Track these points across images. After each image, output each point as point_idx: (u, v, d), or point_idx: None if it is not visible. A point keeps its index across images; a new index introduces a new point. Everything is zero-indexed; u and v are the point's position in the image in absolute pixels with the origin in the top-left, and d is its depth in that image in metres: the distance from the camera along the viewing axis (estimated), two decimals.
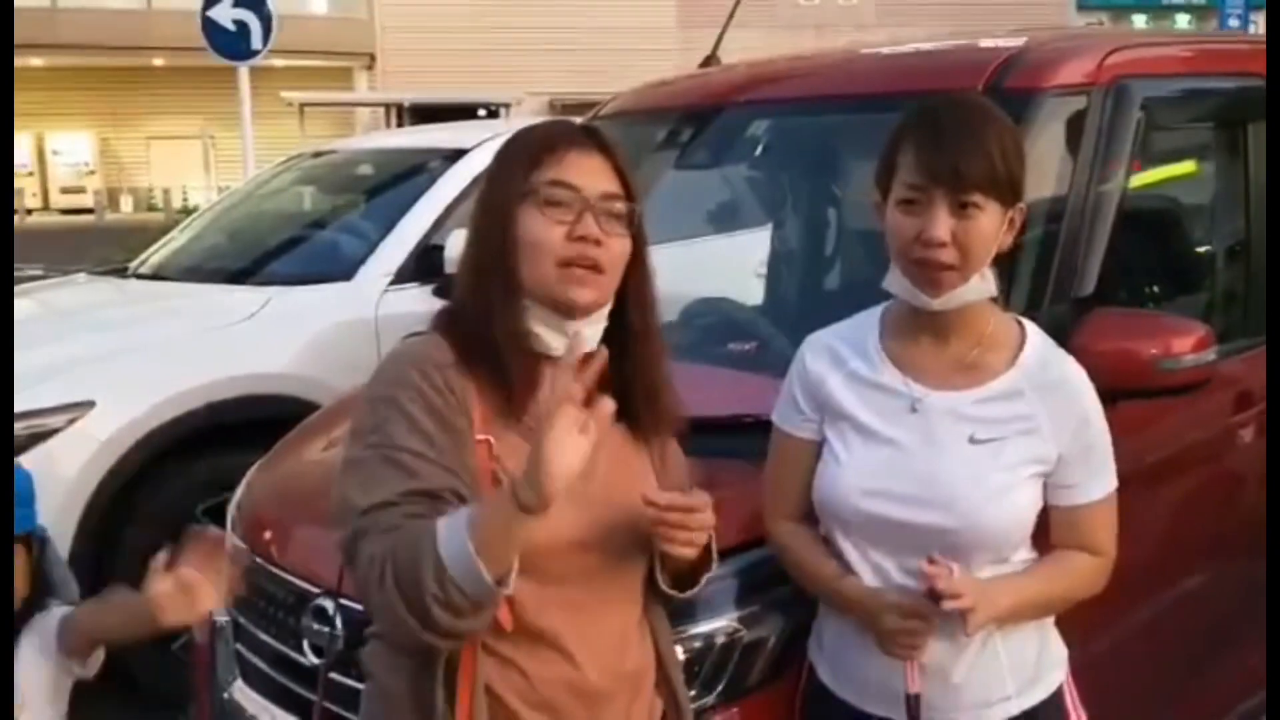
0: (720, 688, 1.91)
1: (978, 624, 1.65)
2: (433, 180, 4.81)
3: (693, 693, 1.88)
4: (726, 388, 2.54)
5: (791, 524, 1.89)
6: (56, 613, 1.86)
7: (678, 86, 3.31)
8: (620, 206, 1.60)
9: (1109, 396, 2.21)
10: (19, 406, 3.57)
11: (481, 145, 4.95)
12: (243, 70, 8.48)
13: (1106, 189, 2.46)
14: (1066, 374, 1.80)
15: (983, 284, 1.74)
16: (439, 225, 4.60)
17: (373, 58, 26.93)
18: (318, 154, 5.94)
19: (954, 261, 1.68)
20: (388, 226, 4.65)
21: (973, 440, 1.75)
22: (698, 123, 3.05)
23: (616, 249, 1.60)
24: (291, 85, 22.61)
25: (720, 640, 1.92)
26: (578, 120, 1.74)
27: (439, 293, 4.30)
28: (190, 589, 1.73)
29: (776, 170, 3.18)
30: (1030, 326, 1.85)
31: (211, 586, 1.75)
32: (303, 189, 5.67)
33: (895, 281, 1.77)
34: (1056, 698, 1.84)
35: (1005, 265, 2.41)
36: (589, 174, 1.59)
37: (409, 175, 5.11)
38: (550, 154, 1.59)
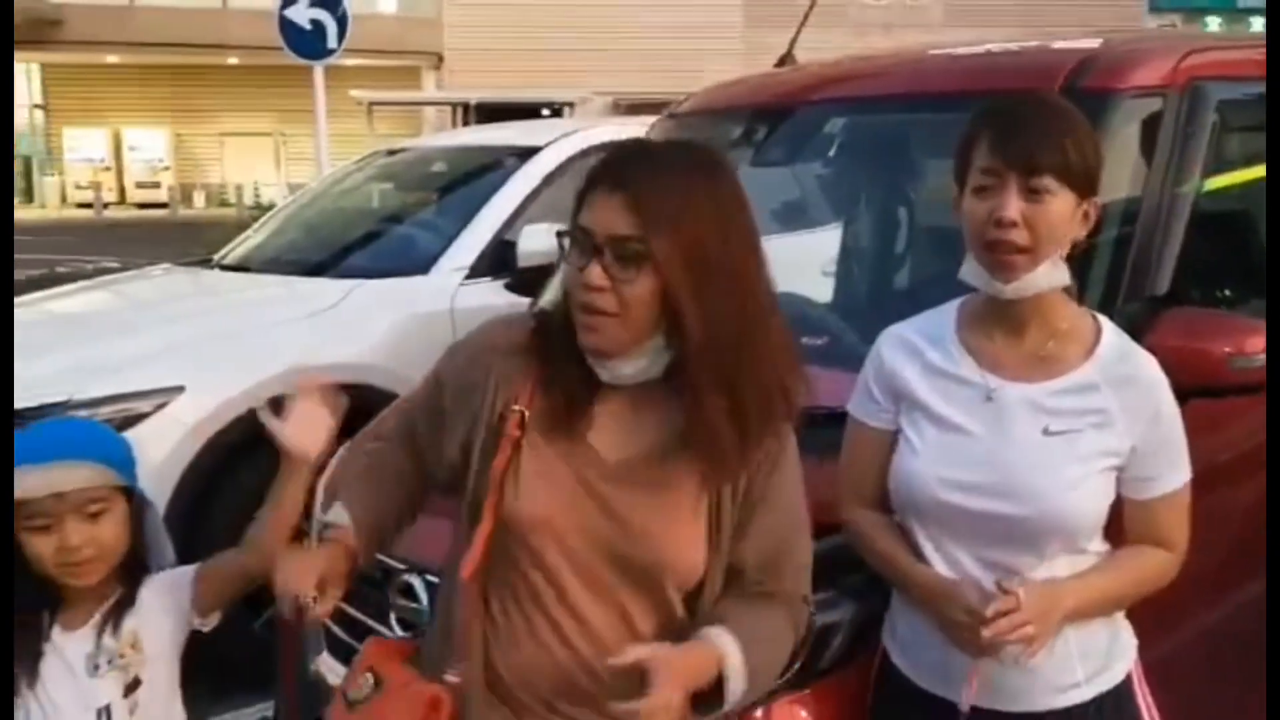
0: (793, 670, 1.95)
1: (1037, 650, 1.71)
2: (506, 177, 4.92)
3: None
4: None
5: (868, 511, 1.93)
6: (183, 569, 1.93)
7: (752, 85, 3.36)
8: (632, 248, 1.53)
9: (1181, 395, 2.25)
10: (111, 389, 3.73)
11: (553, 143, 5.06)
12: (318, 69, 8.63)
13: (1181, 190, 2.48)
14: (1141, 368, 1.83)
15: (1054, 271, 1.76)
16: (512, 221, 4.70)
17: (440, 57, 27.20)
18: (392, 152, 6.07)
19: (1025, 243, 1.72)
20: (463, 222, 4.76)
21: (1046, 432, 1.78)
22: (773, 121, 3.09)
23: (628, 292, 1.54)
24: (361, 84, 22.91)
25: None
26: (635, 133, 1.74)
27: (511, 287, 4.41)
28: (307, 419, 1.77)
29: (852, 169, 3.21)
30: (1106, 321, 1.88)
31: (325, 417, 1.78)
32: (379, 185, 5.80)
33: (970, 270, 1.82)
34: (1125, 686, 1.86)
35: (1080, 263, 2.48)
36: (603, 216, 1.55)
37: (483, 172, 5.22)
38: (587, 193, 1.59)
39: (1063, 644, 1.78)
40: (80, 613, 1.85)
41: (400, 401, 1.87)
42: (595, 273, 1.54)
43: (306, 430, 1.77)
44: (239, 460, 3.84)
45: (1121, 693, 1.86)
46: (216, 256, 5.37)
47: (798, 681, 1.95)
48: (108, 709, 1.80)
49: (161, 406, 3.75)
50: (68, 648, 1.83)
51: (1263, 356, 2.25)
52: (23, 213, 27.57)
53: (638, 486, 1.63)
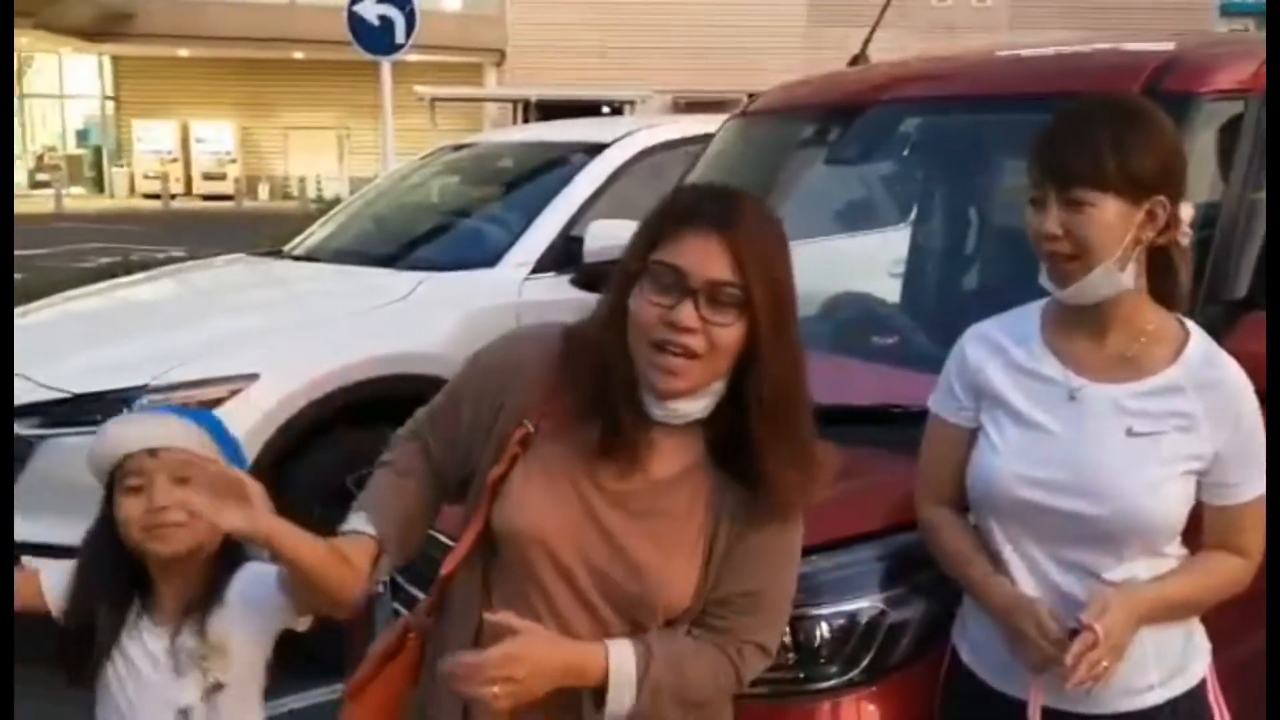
0: (862, 666, 1.97)
1: (1109, 679, 1.72)
2: (572, 174, 4.94)
3: (834, 669, 1.96)
4: (868, 379, 2.60)
5: (943, 509, 1.94)
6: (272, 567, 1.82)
7: (821, 84, 3.36)
8: (732, 293, 1.54)
9: (1261, 399, 2.23)
10: (190, 375, 3.81)
11: (620, 140, 5.09)
12: (385, 64, 8.75)
13: (1261, 194, 2.45)
14: (1228, 373, 1.81)
15: (1111, 277, 1.76)
16: (578, 217, 4.73)
17: (503, 54, 27.39)
18: (458, 147, 6.13)
19: (1070, 252, 1.74)
20: (529, 217, 4.80)
21: (1130, 433, 1.78)
22: (844, 120, 3.10)
23: (720, 337, 1.55)
24: (425, 80, 23.13)
25: (864, 620, 1.98)
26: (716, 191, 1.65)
27: (576, 282, 4.44)
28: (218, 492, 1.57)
29: (922, 169, 3.21)
30: (1193, 325, 1.86)
31: None
32: (446, 180, 5.86)
33: (1044, 274, 1.83)
34: (1199, 690, 1.85)
35: (1161, 264, 2.46)
36: (700, 258, 1.54)
37: (549, 168, 5.26)
38: (671, 230, 1.57)
39: (1138, 647, 1.77)
40: (169, 605, 1.80)
41: (420, 412, 1.84)
42: (688, 314, 1.54)
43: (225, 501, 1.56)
44: (310, 447, 3.91)
45: (1195, 696, 1.85)
46: (287, 248, 5.47)
47: (866, 677, 1.97)
48: (188, 711, 1.75)
49: (237, 392, 3.82)
50: (153, 641, 1.78)
51: None
52: (92, 203, 28.15)
53: (643, 518, 1.63)
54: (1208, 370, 1.80)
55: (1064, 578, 1.80)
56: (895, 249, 3.27)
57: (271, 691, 3.82)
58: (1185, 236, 1.83)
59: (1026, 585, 1.82)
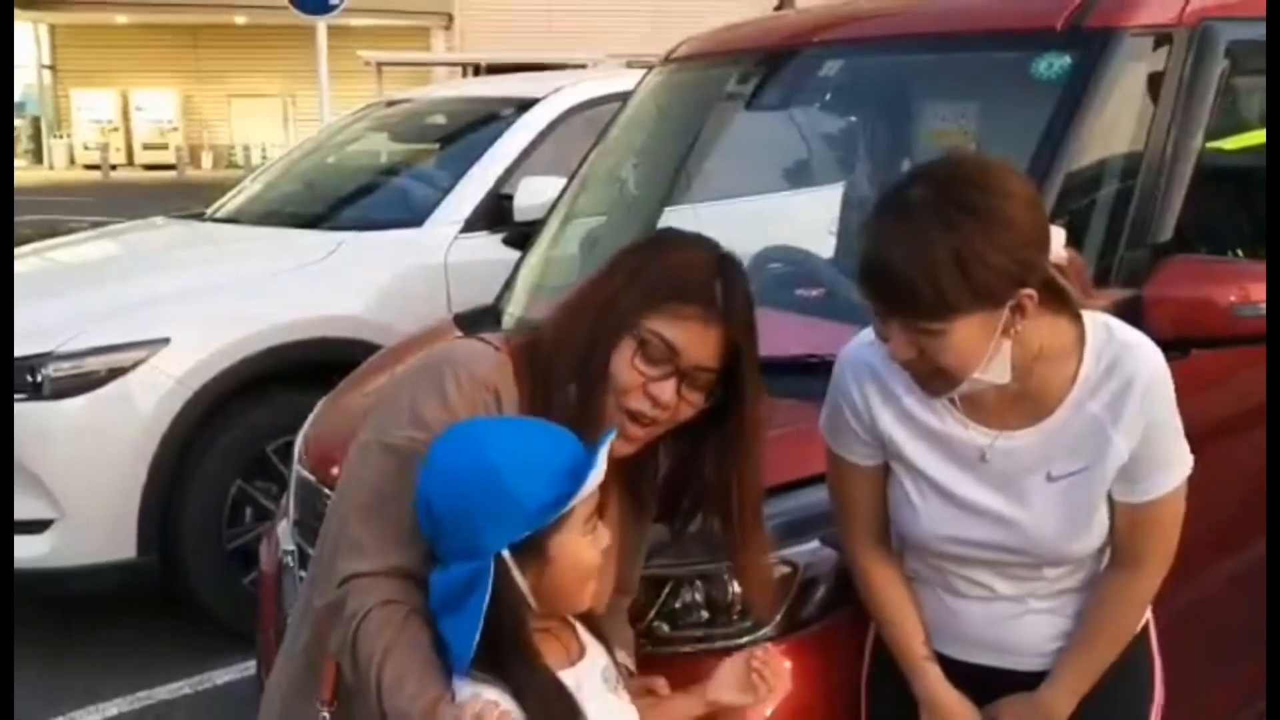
0: (776, 620, 1.91)
1: None
2: (503, 130, 4.84)
3: (747, 624, 1.90)
4: (790, 331, 2.52)
5: (871, 552, 1.82)
6: None
7: (749, 29, 3.28)
8: (709, 378, 1.59)
9: (1184, 346, 2.17)
10: (97, 341, 3.68)
11: (552, 95, 4.97)
12: (320, 26, 8.57)
13: (1187, 136, 2.39)
14: (1135, 370, 1.61)
15: (986, 377, 1.54)
16: (509, 174, 4.63)
17: (450, 17, 26.99)
18: (390, 103, 5.99)
19: (931, 371, 1.54)
20: (458, 175, 4.69)
21: (1049, 478, 1.65)
22: (768, 65, 3.01)
23: (683, 413, 1.60)
24: (370, 45, 22.73)
25: (778, 573, 1.90)
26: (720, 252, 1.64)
27: (508, 241, 4.33)
28: None
29: (848, 111, 3.14)
30: (1090, 320, 1.64)
31: None
32: (375, 137, 5.72)
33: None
34: (1142, 638, 1.80)
35: (1081, 212, 2.40)
36: (698, 343, 1.56)
37: (480, 124, 5.15)
38: (673, 306, 1.55)
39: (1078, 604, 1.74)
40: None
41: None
42: (671, 394, 1.57)
43: None
44: (225, 414, 3.79)
45: (1138, 644, 1.78)
46: (209, 210, 5.30)
47: (781, 632, 1.91)
48: None
49: (148, 358, 3.69)
50: (585, 666, 1.56)
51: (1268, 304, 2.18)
52: (31, 174, 27.54)
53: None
54: (1112, 376, 1.61)
55: (984, 588, 1.75)
56: (823, 199, 3.20)
57: (190, 665, 3.80)
58: (1062, 259, 1.62)
59: (946, 593, 1.78)
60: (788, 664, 1.67)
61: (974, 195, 1.48)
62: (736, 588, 1.90)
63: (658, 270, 1.60)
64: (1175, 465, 1.66)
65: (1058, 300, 1.59)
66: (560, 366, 1.58)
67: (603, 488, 1.53)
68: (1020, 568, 1.72)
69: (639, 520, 1.76)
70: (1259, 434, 2.35)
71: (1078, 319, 1.63)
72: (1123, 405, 1.60)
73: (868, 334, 1.69)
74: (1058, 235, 1.62)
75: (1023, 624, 1.75)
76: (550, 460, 1.44)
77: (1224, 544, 2.39)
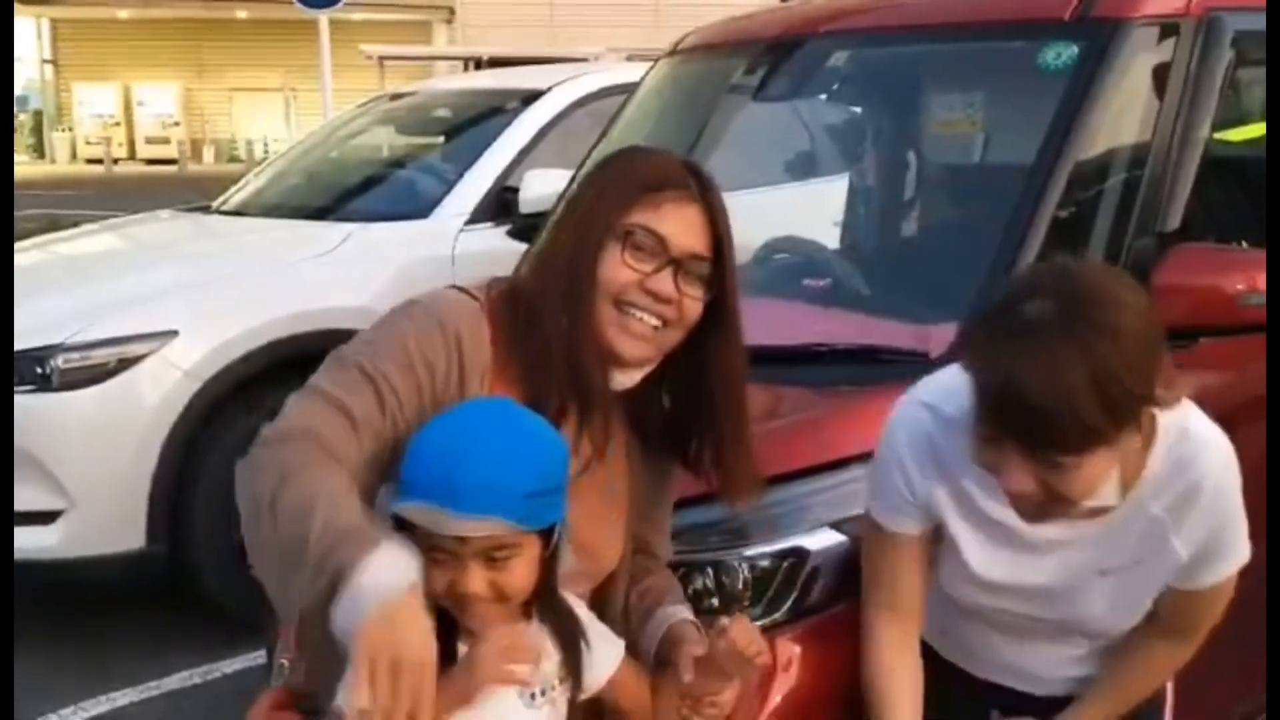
0: (785, 607, 1.92)
1: None
2: (509, 122, 4.85)
3: (757, 611, 1.90)
4: (797, 320, 2.54)
5: (894, 643, 1.72)
6: None
7: (756, 21, 3.28)
8: (704, 269, 1.53)
9: (1190, 334, 2.18)
10: (107, 333, 3.69)
11: (557, 87, 4.98)
12: (322, 20, 8.57)
13: (1193, 126, 2.40)
14: (1204, 473, 1.52)
15: (1105, 495, 1.46)
16: (514, 167, 4.64)
17: (452, 11, 26.96)
18: (395, 96, 5.99)
19: (1044, 499, 1.43)
20: (464, 167, 4.70)
21: (1102, 573, 1.59)
22: (775, 55, 3.01)
23: (689, 309, 1.53)
24: (371, 39, 22.71)
25: (787, 561, 1.92)
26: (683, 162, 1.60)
27: (513, 234, 4.34)
28: None
29: (855, 102, 3.15)
30: (1163, 420, 1.50)
31: None
32: (381, 130, 5.73)
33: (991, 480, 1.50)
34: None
35: (1089, 201, 2.41)
36: (681, 228, 1.52)
37: (485, 117, 5.16)
38: (648, 196, 1.52)
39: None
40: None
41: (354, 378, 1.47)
42: (669, 284, 1.51)
43: None
44: (234, 405, 3.80)
45: None
46: (216, 203, 5.31)
47: (789, 618, 1.91)
48: None
49: (156, 350, 3.69)
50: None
51: None
52: (33, 169, 27.54)
53: (584, 496, 1.52)
54: (1177, 480, 1.52)
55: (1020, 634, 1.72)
56: (831, 190, 3.20)
57: (201, 656, 3.80)
58: None
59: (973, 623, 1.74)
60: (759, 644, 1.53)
61: (1100, 310, 1.34)
62: (748, 574, 1.91)
63: (627, 172, 1.58)
64: (1235, 556, 1.59)
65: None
66: (549, 295, 1.50)
67: (606, 431, 1.55)
68: (1057, 632, 1.69)
69: (652, 472, 1.69)
70: (1261, 428, 2.37)
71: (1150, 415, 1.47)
72: (1187, 510, 1.52)
73: (920, 393, 1.64)
74: None
75: (1046, 655, 1.74)
76: (460, 463, 1.34)
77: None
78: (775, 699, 1.85)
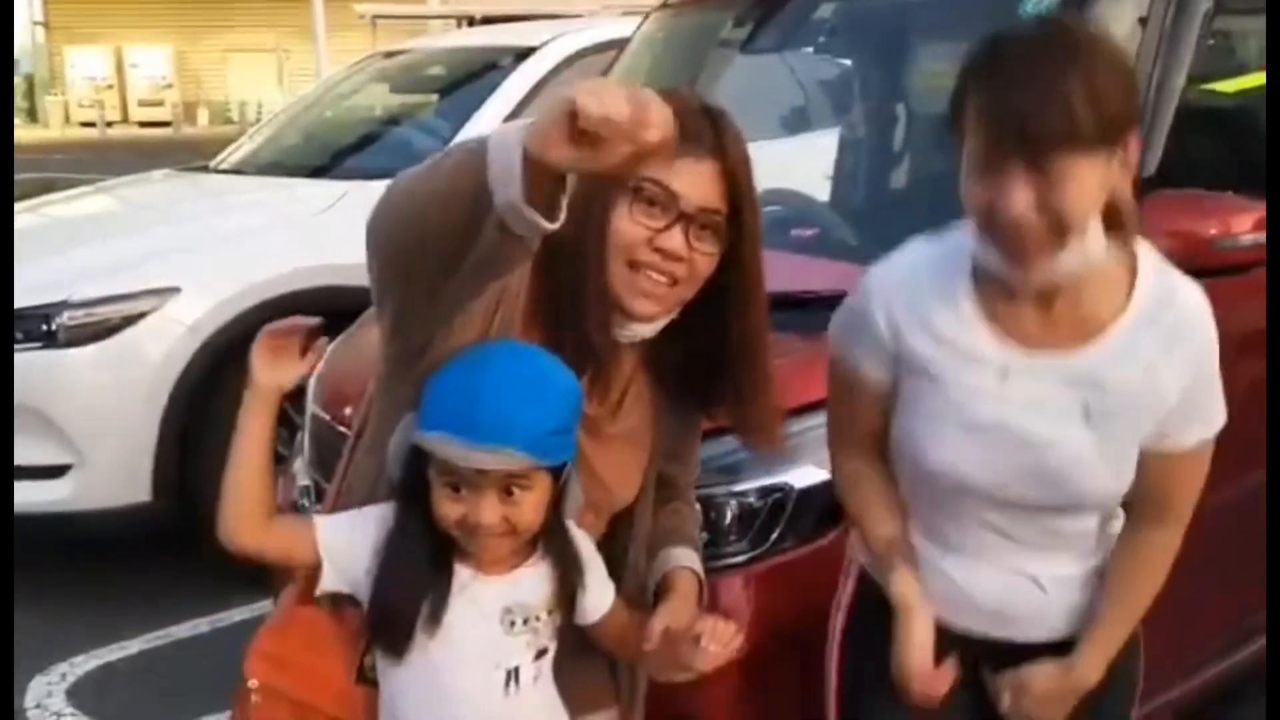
0: (770, 541, 2.01)
1: None
2: (502, 79, 4.87)
3: (743, 545, 1.99)
4: (786, 269, 2.59)
5: (859, 460, 1.72)
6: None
7: None
8: (719, 221, 1.49)
9: None
10: (110, 290, 3.75)
11: (550, 43, 5.00)
12: None
13: (1172, 74, 2.44)
14: (1188, 310, 1.52)
15: (1088, 246, 1.44)
16: (508, 122, 4.65)
17: None
18: (389, 54, 6.00)
19: (1043, 231, 1.41)
20: (458, 124, 4.71)
21: (1087, 414, 1.53)
22: (764, 8, 3.05)
23: (701, 265, 1.50)
24: None
25: (772, 498, 2.01)
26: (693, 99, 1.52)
27: None
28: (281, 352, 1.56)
29: (843, 53, 3.18)
30: (1141, 249, 1.52)
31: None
32: (375, 88, 5.75)
33: (980, 250, 1.48)
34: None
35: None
36: (694, 182, 1.46)
37: (479, 74, 5.17)
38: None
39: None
40: (501, 558, 1.53)
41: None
42: (679, 241, 1.48)
43: (279, 363, 1.56)
44: (237, 360, 3.84)
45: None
46: (214, 162, 5.35)
47: (772, 552, 2.00)
48: (516, 671, 1.52)
49: (159, 307, 3.76)
50: (484, 594, 1.51)
51: (1250, 237, 2.24)
52: (25, 133, 27.39)
53: (609, 441, 1.61)
54: (1166, 311, 1.50)
55: (1001, 533, 1.64)
56: (820, 142, 3.25)
57: (205, 607, 3.86)
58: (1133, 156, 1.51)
59: (957, 545, 1.67)
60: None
61: (1096, 39, 1.45)
62: (736, 509, 1.99)
63: None
64: (1213, 417, 1.57)
65: (1113, 216, 1.49)
66: (564, 245, 1.46)
67: (622, 376, 1.59)
68: (1035, 513, 1.61)
69: (677, 412, 1.70)
70: (1243, 370, 2.43)
71: (1128, 247, 1.51)
72: (1176, 344, 1.50)
73: (902, 255, 1.64)
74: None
75: (1029, 597, 1.67)
76: (480, 397, 1.41)
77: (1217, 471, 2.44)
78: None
